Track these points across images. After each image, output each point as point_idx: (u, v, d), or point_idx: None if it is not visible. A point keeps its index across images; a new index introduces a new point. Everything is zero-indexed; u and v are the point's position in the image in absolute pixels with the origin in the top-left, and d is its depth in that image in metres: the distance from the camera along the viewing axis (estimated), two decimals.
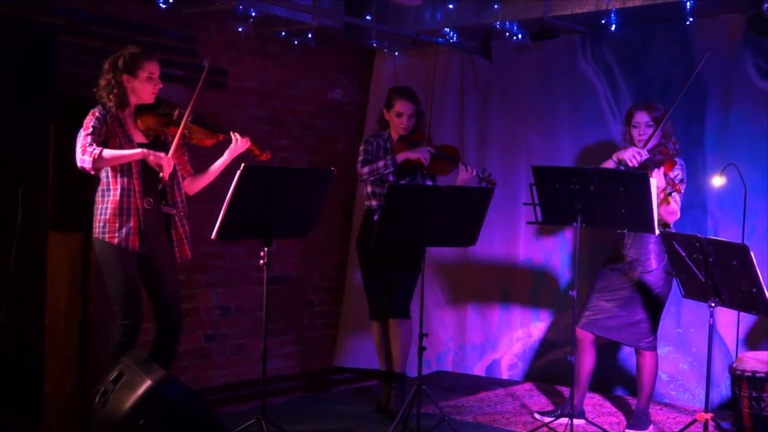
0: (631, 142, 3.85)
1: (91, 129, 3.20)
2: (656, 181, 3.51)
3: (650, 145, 3.76)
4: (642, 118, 3.79)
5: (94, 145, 3.16)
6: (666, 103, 4.06)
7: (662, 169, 3.68)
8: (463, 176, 4.07)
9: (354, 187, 5.46)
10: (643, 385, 3.82)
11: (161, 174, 3.21)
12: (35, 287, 3.81)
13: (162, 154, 3.21)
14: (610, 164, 3.80)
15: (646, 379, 3.80)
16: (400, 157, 4.02)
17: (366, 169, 4.03)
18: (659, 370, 4.06)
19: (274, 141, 4.98)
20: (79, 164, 3.18)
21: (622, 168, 3.75)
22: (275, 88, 5.00)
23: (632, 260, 3.78)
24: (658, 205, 3.63)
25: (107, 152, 3.15)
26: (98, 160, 3.13)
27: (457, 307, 5.21)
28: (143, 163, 3.26)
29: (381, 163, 4.01)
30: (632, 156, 3.70)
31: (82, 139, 3.19)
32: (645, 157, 3.70)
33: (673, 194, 3.66)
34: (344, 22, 4.88)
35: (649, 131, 3.76)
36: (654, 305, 3.79)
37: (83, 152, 3.15)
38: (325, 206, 4.47)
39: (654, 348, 3.80)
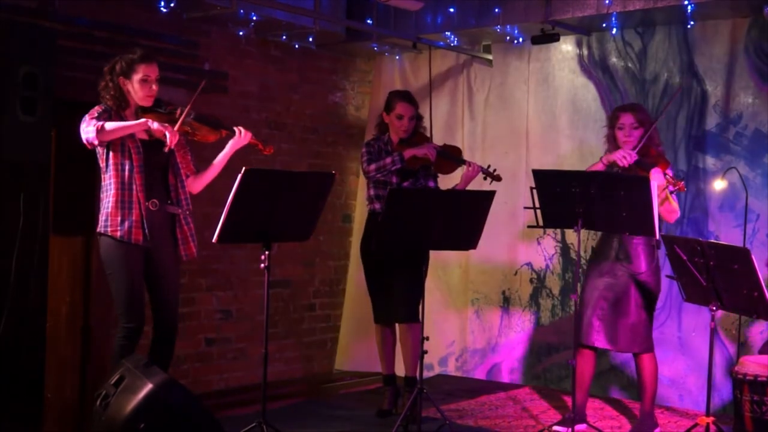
0: (614, 144, 3.82)
1: (96, 114, 3.23)
2: (657, 181, 3.50)
3: (637, 147, 3.75)
4: (627, 119, 3.77)
5: (101, 119, 3.18)
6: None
7: (659, 168, 3.65)
8: (468, 174, 4.06)
9: (355, 190, 5.46)
10: (645, 388, 3.79)
11: (166, 144, 3.18)
12: (37, 291, 3.81)
13: (167, 125, 3.19)
14: (599, 166, 3.78)
15: (648, 381, 3.78)
16: (407, 153, 4.02)
17: (373, 166, 4.03)
18: (660, 373, 4.04)
19: (275, 144, 4.95)
20: (83, 136, 3.18)
21: (616, 170, 3.74)
22: (276, 92, 5.00)
23: (621, 261, 3.74)
24: (659, 205, 3.62)
25: (110, 124, 3.16)
26: (101, 132, 3.14)
27: (459, 310, 5.20)
28: (145, 158, 3.26)
29: (389, 160, 4.02)
30: (622, 157, 3.69)
31: (87, 117, 3.21)
32: (635, 159, 3.69)
33: (673, 194, 3.64)
34: (345, 26, 4.89)
35: (635, 133, 3.73)
36: (646, 307, 3.75)
37: (88, 124, 3.17)
38: (326, 210, 4.47)
39: (651, 349, 3.77)
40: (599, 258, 3.83)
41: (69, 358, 4.13)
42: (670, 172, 3.65)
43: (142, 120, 3.20)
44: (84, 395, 4.07)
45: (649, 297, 3.75)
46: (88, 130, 3.16)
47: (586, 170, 3.75)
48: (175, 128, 3.21)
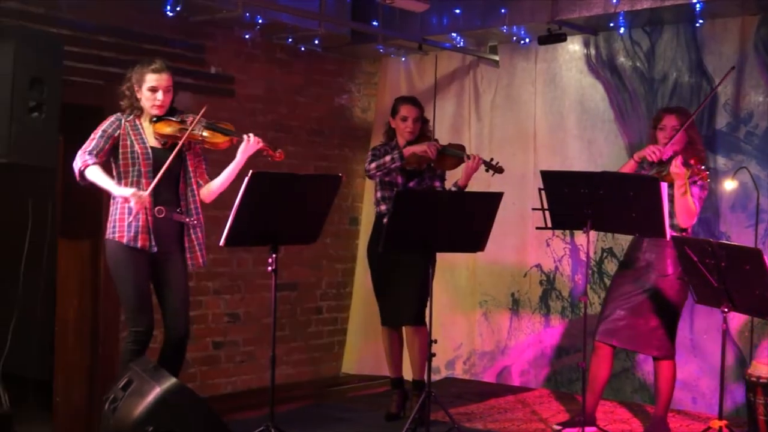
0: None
1: (100, 132, 3.28)
2: (677, 170, 3.42)
3: (676, 148, 3.68)
4: (670, 121, 3.70)
5: (93, 153, 3.22)
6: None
7: (690, 161, 3.51)
8: (470, 166, 4.03)
9: (362, 193, 5.45)
10: (660, 393, 3.75)
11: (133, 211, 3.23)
12: (45, 296, 3.82)
13: (138, 195, 3.18)
14: (631, 164, 3.74)
15: (663, 386, 3.73)
16: (407, 151, 4.03)
17: (373, 164, 4.04)
18: None
19: (282, 147, 4.95)
20: (73, 165, 3.24)
21: (645, 166, 3.70)
22: (282, 95, 5.00)
23: (648, 263, 3.72)
24: (681, 196, 3.54)
25: (93, 172, 3.20)
26: (83, 173, 3.21)
27: (467, 313, 5.18)
28: (154, 165, 3.26)
29: (388, 158, 4.02)
30: (652, 152, 3.64)
31: (87, 141, 3.27)
32: (668, 154, 3.61)
33: (693, 189, 3.54)
34: (350, 28, 4.88)
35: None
36: (669, 312, 3.71)
37: (80, 155, 3.23)
38: (332, 212, 4.46)
39: (671, 356, 3.72)
40: (629, 262, 3.80)
41: (77, 362, 4.14)
42: (699, 166, 3.49)
43: (122, 194, 3.18)
44: (93, 399, 4.07)
45: (673, 302, 3.69)
46: (75, 162, 3.23)
47: (618, 170, 3.71)
48: (148, 190, 3.20)
